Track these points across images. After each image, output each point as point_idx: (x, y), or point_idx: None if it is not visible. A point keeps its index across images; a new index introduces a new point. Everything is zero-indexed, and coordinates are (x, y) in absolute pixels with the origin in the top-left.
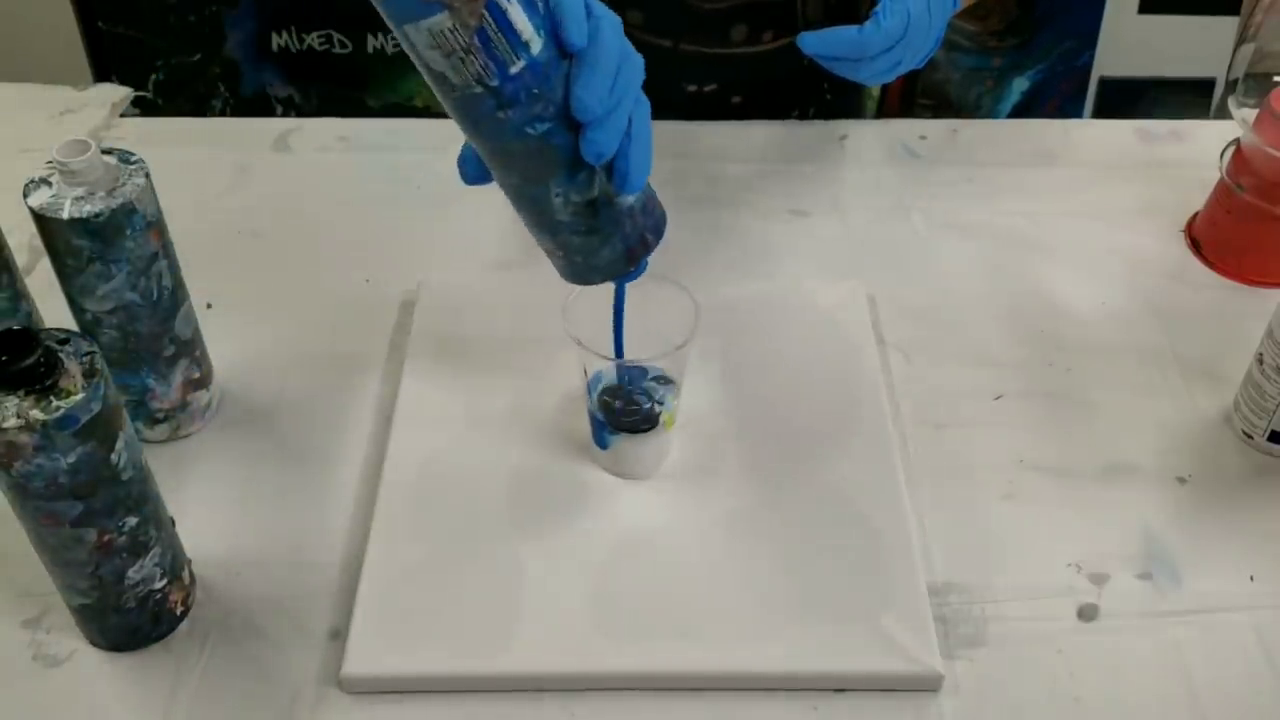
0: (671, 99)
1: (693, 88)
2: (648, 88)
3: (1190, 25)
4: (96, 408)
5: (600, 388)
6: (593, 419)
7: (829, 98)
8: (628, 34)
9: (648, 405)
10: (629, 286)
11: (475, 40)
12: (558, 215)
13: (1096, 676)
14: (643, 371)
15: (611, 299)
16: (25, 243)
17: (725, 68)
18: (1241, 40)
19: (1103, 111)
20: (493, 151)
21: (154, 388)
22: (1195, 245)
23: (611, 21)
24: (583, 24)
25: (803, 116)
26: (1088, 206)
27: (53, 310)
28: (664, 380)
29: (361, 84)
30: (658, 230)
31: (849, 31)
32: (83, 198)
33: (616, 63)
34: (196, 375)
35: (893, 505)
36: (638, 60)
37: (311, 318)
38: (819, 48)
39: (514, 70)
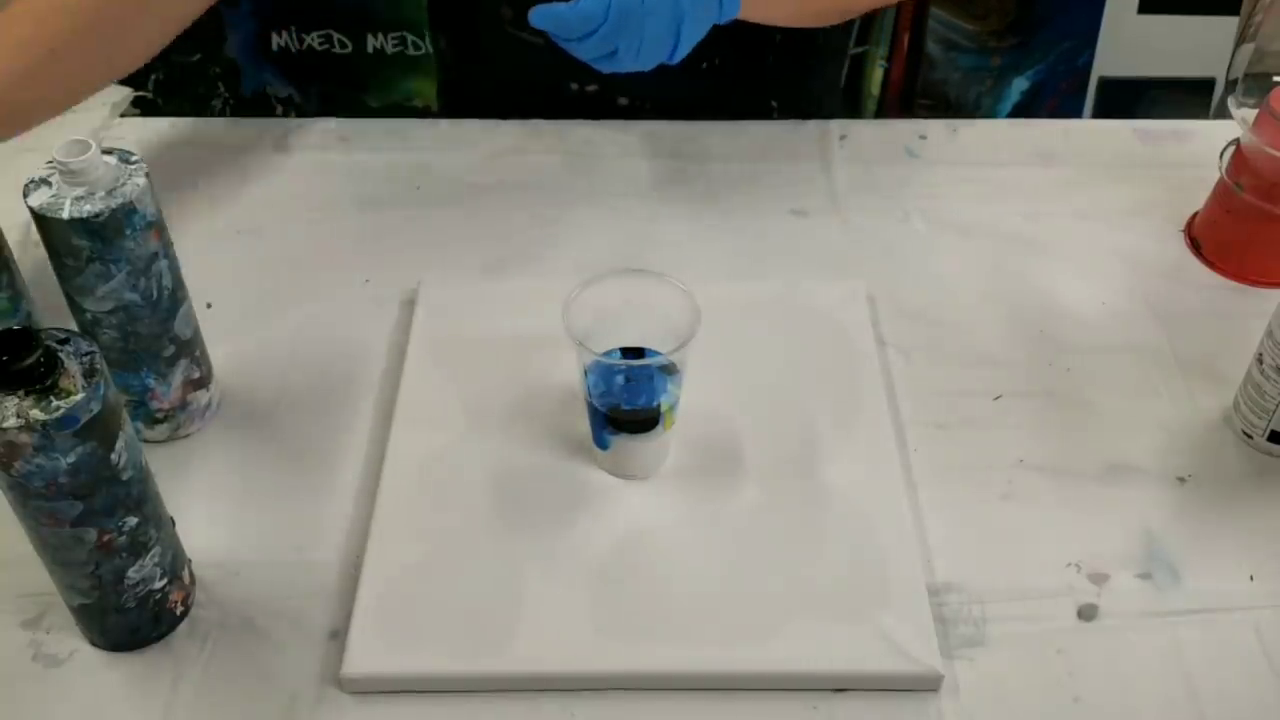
0: (554, 98)
1: (575, 86)
2: (530, 87)
3: (1190, 25)
4: (96, 408)
5: (601, 383)
6: (592, 418)
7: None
8: (497, 30)
9: (654, 401)
10: (629, 284)
11: None
12: None
13: (1096, 676)
14: (647, 369)
15: (608, 300)
16: (25, 242)
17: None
18: (1241, 40)
19: (1103, 111)
20: None
21: (154, 388)
22: (1195, 245)
23: None
24: None
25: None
26: (1088, 206)
27: (53, 310)
28: (669, 370)
29: (361, 84)
30: None
31: (559, 8)
32: (83, 198)
33: None
34: (196, 375)
35: (893, 505)
36: None
37: (311, 318)
38: (538, 21)
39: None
